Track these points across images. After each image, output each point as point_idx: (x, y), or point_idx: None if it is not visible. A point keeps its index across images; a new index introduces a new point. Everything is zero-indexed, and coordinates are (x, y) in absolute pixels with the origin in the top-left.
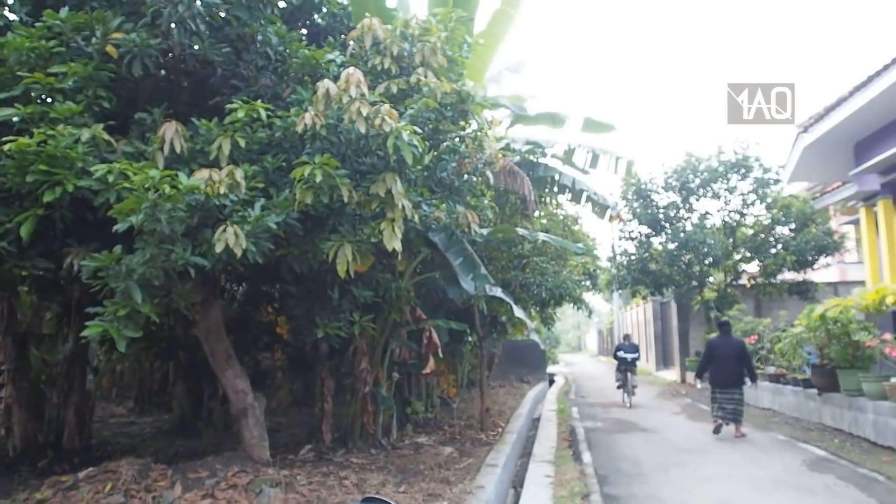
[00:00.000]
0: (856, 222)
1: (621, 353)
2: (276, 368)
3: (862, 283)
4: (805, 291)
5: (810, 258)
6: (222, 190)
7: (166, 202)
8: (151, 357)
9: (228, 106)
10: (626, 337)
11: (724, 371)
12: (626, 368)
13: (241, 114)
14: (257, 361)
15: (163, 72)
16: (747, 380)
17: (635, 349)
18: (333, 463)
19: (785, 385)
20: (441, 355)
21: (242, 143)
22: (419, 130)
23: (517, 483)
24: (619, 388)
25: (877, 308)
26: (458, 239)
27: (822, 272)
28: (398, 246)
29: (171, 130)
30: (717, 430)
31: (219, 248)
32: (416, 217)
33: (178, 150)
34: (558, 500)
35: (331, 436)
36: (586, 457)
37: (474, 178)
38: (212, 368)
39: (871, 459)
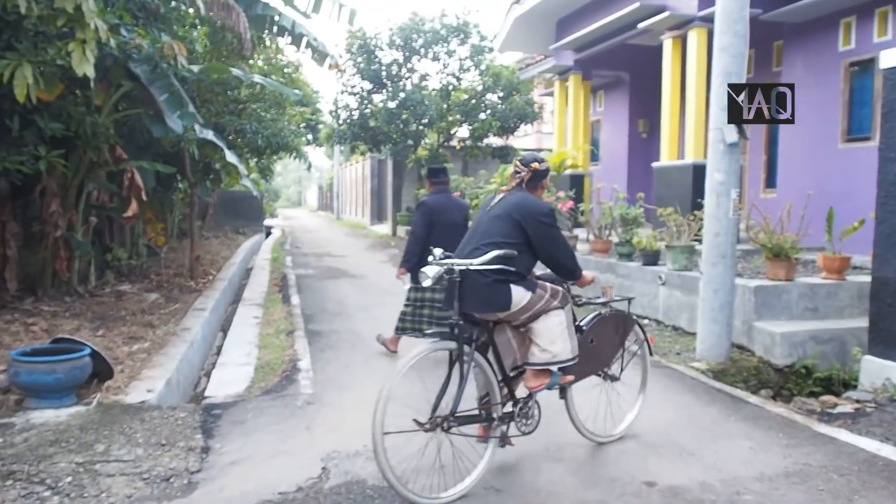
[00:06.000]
0: (552, 94)
1: None
2: None
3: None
4: (506, 156)
5: (513, 125)
6: None
7: None
8: None
9: None
10: None
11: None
12: None
13: None
14: None
15: None
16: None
17: None
18: (20, 311)
19: None
20: (146, 199)
21: None
22: None
23: (227, 327)
24: None
25: (557, 170)
26: (164, 72)
27: (523, 139)
28: (90, 72)
29: None
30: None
31: None
32: (113, 42)
33: None
34: (264, 338)
35: (16, 283)
36: (295, 300)
37: (183, 7)
38: None
39: None
